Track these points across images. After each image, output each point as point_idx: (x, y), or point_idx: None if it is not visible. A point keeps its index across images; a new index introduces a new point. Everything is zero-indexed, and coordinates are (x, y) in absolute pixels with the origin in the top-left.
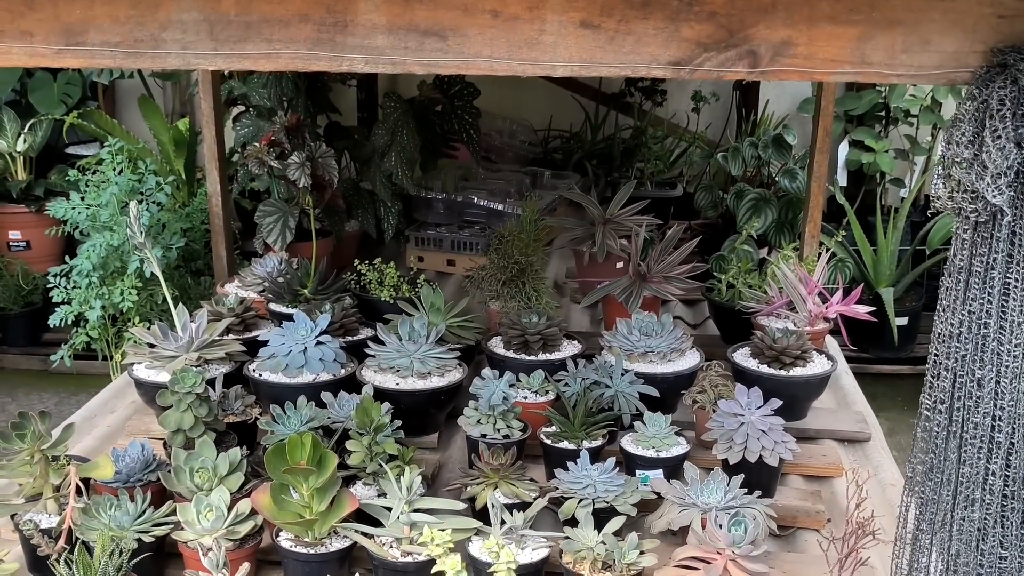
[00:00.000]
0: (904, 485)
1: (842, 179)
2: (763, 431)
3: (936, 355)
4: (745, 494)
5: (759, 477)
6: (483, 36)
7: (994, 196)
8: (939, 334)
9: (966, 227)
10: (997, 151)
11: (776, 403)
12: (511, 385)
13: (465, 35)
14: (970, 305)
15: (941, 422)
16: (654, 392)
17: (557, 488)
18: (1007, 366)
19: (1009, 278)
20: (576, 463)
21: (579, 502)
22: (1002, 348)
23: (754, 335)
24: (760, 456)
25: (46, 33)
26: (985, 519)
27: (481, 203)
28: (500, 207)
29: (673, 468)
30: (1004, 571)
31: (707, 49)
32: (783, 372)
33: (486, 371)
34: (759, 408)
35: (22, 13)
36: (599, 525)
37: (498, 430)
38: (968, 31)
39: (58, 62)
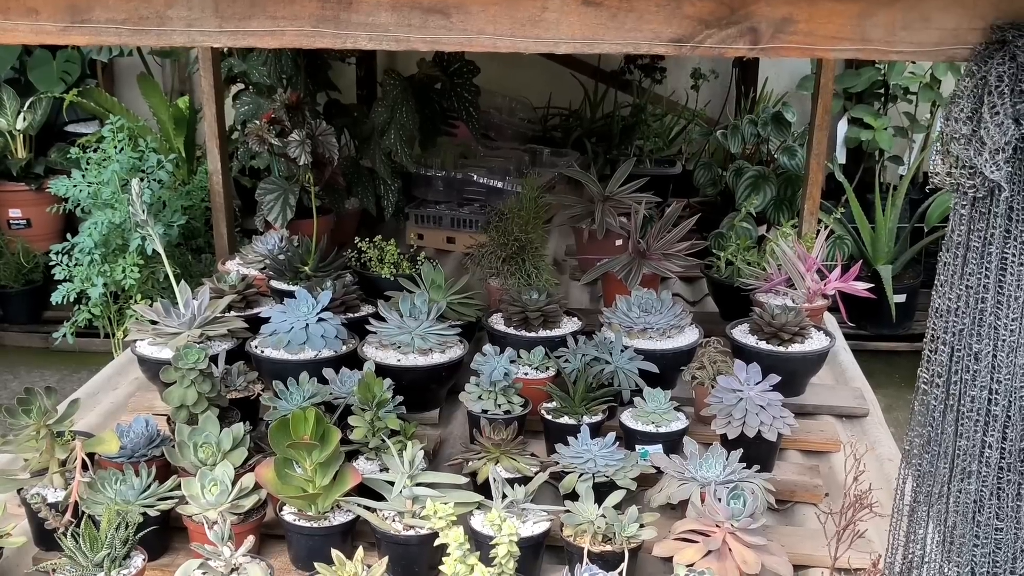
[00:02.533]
0: (901, 458)
1: (841, 156)
2: (761, 406)
3: (934, 329)
4: (744, 468)
5: (758, 452)
6: (486, 13)
7: (992, 172)
8: (937, 309)
9: (964, 203)
10: (995, 127)
11: (775, 379)
12: (512, 361)
13: (468, 12)
14: (968, 280)
15: (939, 395)
16: (654, 368)
17: (558, 463)
18: (1004, 340)
19: (1007, 253)
20: (576, 438)
21: (579, 476)
22: (999, 322)
23: (753, 312)
24: (759, 431)
25: (52, 10)
26: (981, 491)
27: (481, 181)
28: (499, 184)
29: (672, 443)
30: (1000, 542)
31: (708, 26)
32: (781, 348)
33: (487, 347)
34: (758, 384)
35: None
36: (599, 499)
37: (499, 406)
38: (967, 7)
39: (64, 39)
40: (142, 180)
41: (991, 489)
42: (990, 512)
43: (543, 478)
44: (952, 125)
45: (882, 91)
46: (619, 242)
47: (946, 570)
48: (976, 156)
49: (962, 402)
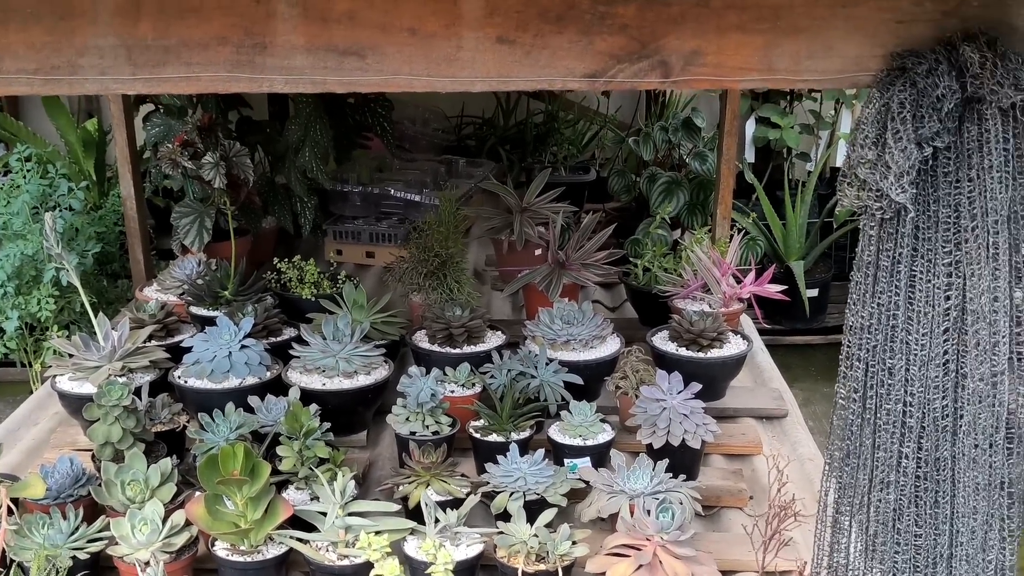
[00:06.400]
0: (824, 470)
1: (750, 156)
2: (684, 415)
3: (848, 346)
4: (670, 478)
5: (683, 460)
6: (401, 54)
7: (898, 195)
8: (851, 326)
9: (872, 224)
10: (899, 152)
11: (696, 387)
12: (438, 381)
13: (384, 53)
14: (879, 298)
15: (856, 410)
16: (578, 380)
17: (488, 483)
18: (915, 354)
19: (915, 271)
20: (506, 456)
21: (511, 495)
22: (910, 338)
23: (671, 318)
24: (683, 439)
25: None
26: (900, 500)
27: (398, 195)
28: (417, 198)
29: (600, 455)
30: (920, 548)
31: (620, 60)
32: (701, 354)
33: (412, 368)
34: (680, 392)
35: None
36: (531, 517)
37: (427, 427)
38: (868, 36)
39: None
40: (54, 208)
41: (909, 498)
42: (909, 519)
43: (474, 500)
44: (858, 151)
45: (788, 90)
46: (538, 251)
47: None
48: (882, 180)
49: (878, 415)
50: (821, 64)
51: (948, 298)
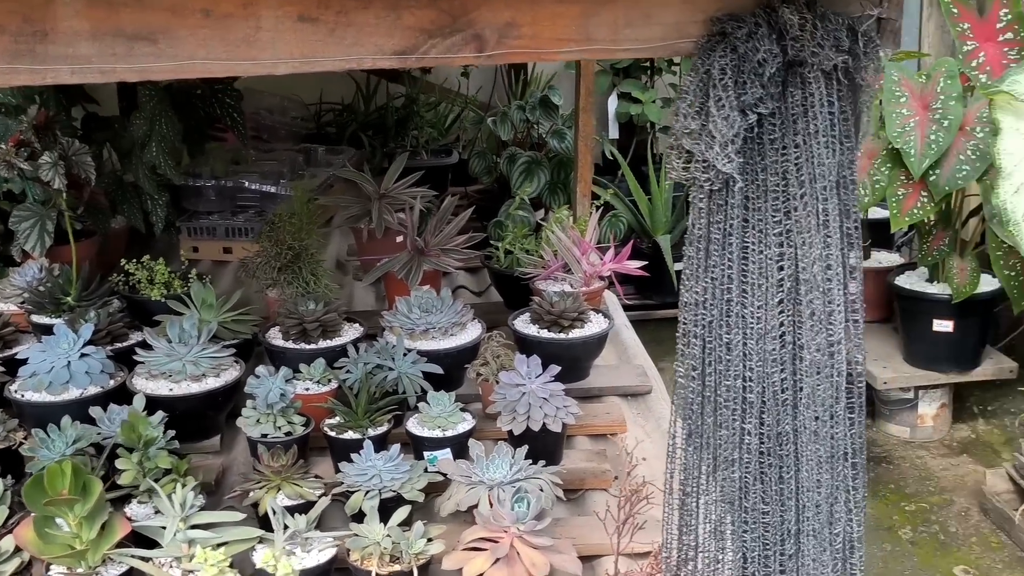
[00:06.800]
0: (667, 451)
1: (614, 132)
2: (544, 398)
3: (684, 323)
4: (531, 465)
5: (545, 444)
6: (196, 37)
7: (724, 165)
8: (686, 303)
9: (702, 196)
10: (722, 120)
11: (555, 369)
12: (290, 379)
13: (176, 37)
14: (712, 272)
15: (695, 388)
16: (438, 370)
17: (343, 483)
18: (752, 328)
19: (747, 242)
20: (360, 454)
21: (365, 494)
22: (746, 311)
23: (531, 301)
24: (544, 424)
25: None
26: (745, 478)
27: (253, 187)
28: (273, 189)
29: (460, 446)
30: (768, 525)
31: (432, 35)
32: (563, 336)
33: (260, 368)
34: (539, 376)
35: None
36: (388, 516)
37: (279, 428)
38: (687, 2)
39: None
40: None
41: (754, 475)
42: (755, 497)
43: (325, 503)
44: (681, 121)
45: (647, 64)
46: (400, 239)
47: (719, 557)
48: (707, 150)
49: (718, 392)
50: (641, 32)
51: (781, 268)
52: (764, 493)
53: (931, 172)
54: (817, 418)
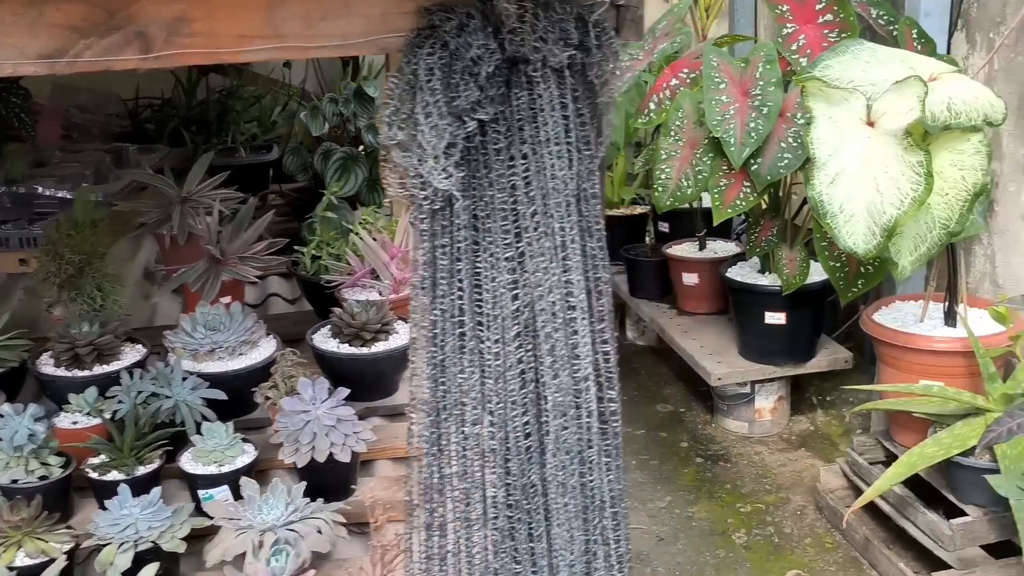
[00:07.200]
0: (404, 517)
1: None
2: (331, 425)
3: (414, 363)
4: (312, 502)
5: (334, 476)
6: None
7: (441, 181)
8: (414, 341)
9: (423, 216)
10: (430, 130)
11: (343, 392)
12: (40, 417)
13: None
14: (442, 304)
15: (429, 438)
16: (221, 395)
17: (93, 534)
18: (490, 366)
19: (479, 268)
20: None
21: (119, 547)
22: (483, 346)
23: (332, 312)
24: (331, 454)
25: None
26: (494, 536)
27: (47, 193)
28: (70, 195)
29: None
30: None
31: (85, 35)
32: (365, 349)
33: (5, 407)
34: (325, 401)
35: None
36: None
37: (31, 471)
38: None
39: None
40: None
41: (503, 532)
42: (506, 557)
43: (62, 564)
44: (386, 131)
45: None
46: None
47: None
48: (420, 164)
49: (456, 441)
50: (340, 26)
51: (516, 297)
52: (515, 552)
53: (752, 161)
54: (564, 468)
